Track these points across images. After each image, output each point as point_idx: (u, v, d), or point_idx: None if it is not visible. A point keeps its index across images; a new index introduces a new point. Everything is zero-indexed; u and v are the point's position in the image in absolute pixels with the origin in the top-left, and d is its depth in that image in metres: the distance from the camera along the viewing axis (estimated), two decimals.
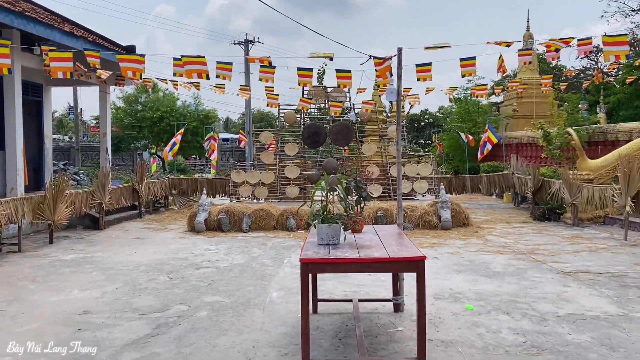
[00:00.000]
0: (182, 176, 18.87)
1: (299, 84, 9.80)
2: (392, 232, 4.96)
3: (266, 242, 10.00)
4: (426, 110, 37.93)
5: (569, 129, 12.19)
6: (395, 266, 3.79)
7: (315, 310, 5.47)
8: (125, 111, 27.33)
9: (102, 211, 11.98)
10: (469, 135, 18.50)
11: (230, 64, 9.24)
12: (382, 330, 4.92)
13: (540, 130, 13.04)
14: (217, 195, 16.29)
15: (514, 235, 10.26)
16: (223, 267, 7.78)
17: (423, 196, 14.58)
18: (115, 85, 14.92)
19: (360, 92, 14.00)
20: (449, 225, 10.99)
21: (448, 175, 16.46)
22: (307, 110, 13.68)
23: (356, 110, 14.36)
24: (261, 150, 15.09)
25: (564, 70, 39.80)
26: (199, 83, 11.97)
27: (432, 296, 5.98)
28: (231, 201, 14.40)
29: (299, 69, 9.44)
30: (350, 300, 5.49)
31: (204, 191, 12.43)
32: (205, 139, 19.35)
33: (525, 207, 14.90)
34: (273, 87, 13.59)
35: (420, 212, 11.15)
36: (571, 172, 11.92)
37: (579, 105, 26.37)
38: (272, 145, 14.59)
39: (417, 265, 3.77)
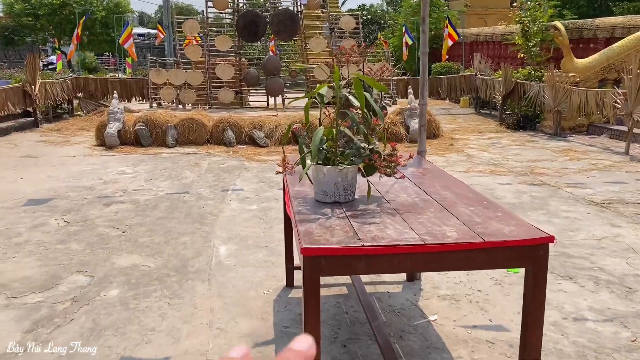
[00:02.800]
0: (91, 76, 15.83)
1: None
2: (426, 170, 3.04)
3: (200, 161, 7.86)
4: (364, 5, 35.20)
5: (557, 23, 10.48)
6: (494, 257, 1.91)
7: (290, 283, 3.60)
8: None
9: None
10: (408, 40, 16.32)
11: None
12: (404, 320, 3.14)
13: (519, 24, 11.28)
14: (134, 99, 13.62)
15: (496, 149, 8.71)
16: (144, 202, 5.66)
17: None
18: None
19: None
20: (417, 137, 9.25)
21: (405, 77, 14.56)
22: None
23: None
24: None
25: None
26: None
27: None
28: (151, 107, 11.91)
29: None
30: None
31: (115, 95, 9.88)
32: (124, 36, 15.84)
33: (487, 113, 13.44)
34: None
35: (385, 122, 9.28)
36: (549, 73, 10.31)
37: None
38: (190, 39, 12.00)
39: (534, 253, 1.91)
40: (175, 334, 2.98)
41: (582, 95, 9.19)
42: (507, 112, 11.66)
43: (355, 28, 12.21)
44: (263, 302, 3.36)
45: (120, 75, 18.05)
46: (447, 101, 16.08)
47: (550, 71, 9.59)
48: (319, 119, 2.42)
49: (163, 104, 12.27)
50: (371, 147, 2.34)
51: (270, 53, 12.20)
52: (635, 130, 8.12)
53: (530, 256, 1.92)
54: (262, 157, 8.13)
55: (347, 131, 2.31)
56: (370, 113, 2.43)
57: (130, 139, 9.11)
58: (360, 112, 2.38)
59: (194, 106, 11.89)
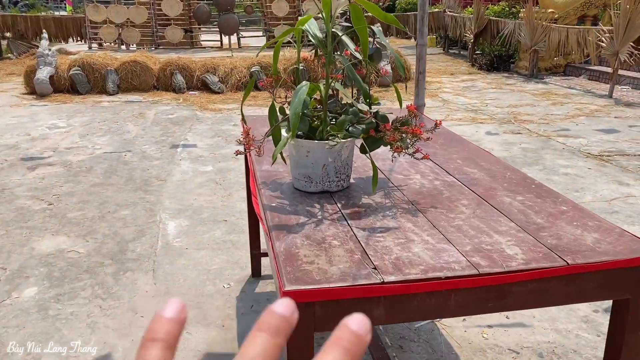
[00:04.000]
0: (26, 14, 14.20)
1: None
2: (433, 134, 2.32)
3: (145, 111, 6.92)
4: None
5: None
6: (580, 288, 1.26)
7: (257, 272, 2.90)
8: None
9: None
10: None
11: None
12: (402, 324, 2.51)
13: None
14: (71, 40, 12.25)
15: (472, 93, 8.07)
16: (77, 164, 4.79)
17: None
18: None
19: None
20: (388, 80, 8.51)
21: (370, 14, 13.57)
22: None
23: None
24: None
25: None
26: None
27: None
28: (90, 48, 10.67)
29: None
30: None
31: (45, 35, 8.65)
32: None
33: (456, 53, 12.75)
34: None
35: None
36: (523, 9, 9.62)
37: None
38: None
39: (636, 277, 1.25)
40: (109, 355, 2.27)
41: (562, 33, 8.57)
42: (478, 52, 10.99)
43: None
44: (223, 300, 2.66)
45: (59, 13, 16.36)
46: (413, 40, 15.24)
47: (529, 7, 8.89)
48: (297, 68, 1.65)
49: (104, 44, 11.03)
50: (375, 110, 1.60)
51: None
52: (620, 72, 7.60)
53: (631, 283, 1.26)
54: (217, 106, 7.25)
55: (341, 88, 1.56)
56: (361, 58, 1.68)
57: (66, 86, 8.01)
58: (356, 58, 1.63)
59: (138, 47, 10.73)
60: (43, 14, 14.26)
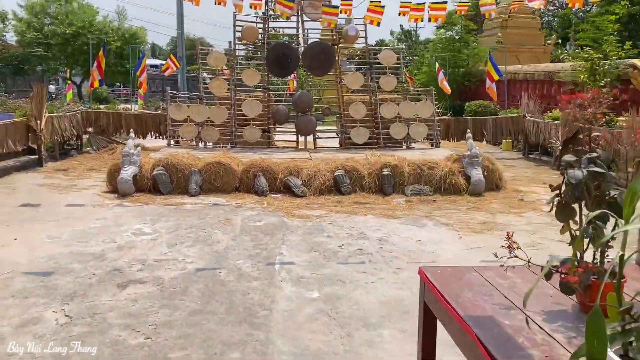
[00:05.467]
0: (102, 108, 14.79)
1: None
2: None
3: (230, 216, 6.57)
4: (382, 40, 34.46)
5: (635, 61, 9.34)
6: None
7: None
8: (29, 24, 22.05)
9: None
10: (445, 83, 15.10)
11: None
12: None
13: (587, 61, 10.11)
14: (149, 135, 12.47)
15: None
16: (170, 282, 4.35)
17: (411, 142, 11.29)
18: None
19: (346, 11, 10.20)
20: (481, 189, 7.97)
21: (446, 117, 13.37)
22: (288, 17, 9.95)
23: (355, 23, 10.78)
24: (208, 77, 11.30)
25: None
26: None
27: None
28: (169, 145, 10.71)
29: None
30: None
31: (132, 133, 8.69)
32: (140, 68, 14.98)
33: (537, 159, 12.17)
34: None
35: (443, 171, 8.03)
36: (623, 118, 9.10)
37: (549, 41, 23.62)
38: (226, 71, 10.92)
39: None
40: None
41: None
42: None
43: (396, 63, 11.10)
44: None
45: (133, 107, 16.99)
46: (484, 143, 14.80)
47: (633, 115, 8.36)
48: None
49: (182, 142, 11.10)
50: None
51: (301, 90, 11.06)
52: None
53: None
54: (304, 212, 6.85)
55: None
56: None
57: (148, 186, 7.86)
58: None
59: (215, 145, 10.71)
60: (123, 109, 14.78)
